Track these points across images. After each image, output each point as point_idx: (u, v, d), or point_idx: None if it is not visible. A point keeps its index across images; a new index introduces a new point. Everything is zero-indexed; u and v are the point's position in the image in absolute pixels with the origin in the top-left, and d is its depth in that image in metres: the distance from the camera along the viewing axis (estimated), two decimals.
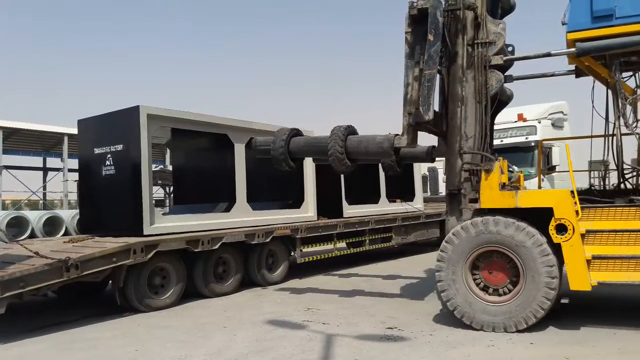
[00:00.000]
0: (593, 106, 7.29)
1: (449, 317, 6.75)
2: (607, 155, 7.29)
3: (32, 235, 10.45)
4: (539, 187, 9.56)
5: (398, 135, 6.59)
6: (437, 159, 7.94)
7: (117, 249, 7.22)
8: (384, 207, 13.34)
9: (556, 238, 5.91)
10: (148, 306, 7.73)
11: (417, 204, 14.42)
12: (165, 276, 8.12)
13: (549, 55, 6.96)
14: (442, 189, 12.56)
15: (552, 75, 7.81)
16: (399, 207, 13.75)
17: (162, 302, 7.96)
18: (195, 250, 8.27)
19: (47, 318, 7.55)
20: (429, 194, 18.19)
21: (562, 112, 11.61)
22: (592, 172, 11.38)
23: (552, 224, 5.93)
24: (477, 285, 6.23)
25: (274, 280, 9.96)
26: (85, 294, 8.87)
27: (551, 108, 11.37)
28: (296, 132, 7.51)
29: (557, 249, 5.92)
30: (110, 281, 7.89)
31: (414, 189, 14.57)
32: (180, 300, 8.25)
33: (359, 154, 6.90)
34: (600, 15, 6.30)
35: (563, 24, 7.34)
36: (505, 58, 6.78)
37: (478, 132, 6.68)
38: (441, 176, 16.00)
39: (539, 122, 10.84)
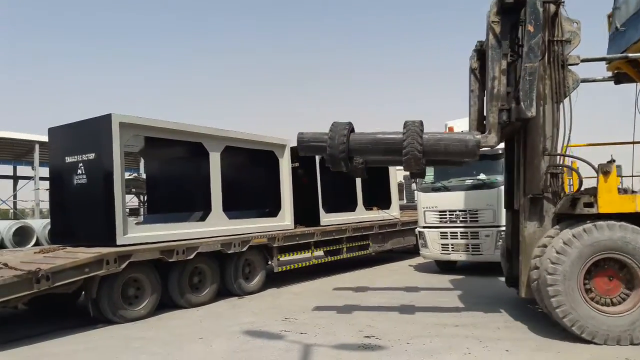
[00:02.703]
0: (638, 111, 7.29)
1: (425, 325, 6.80)
2: None
3: (2, 246, 10.20)
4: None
5: (478, 132, 6.21)
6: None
7: (90, 259, 7.07)
8: (361, 214, 13.36)
9: None
10: (122, 317, 7.57)
11: (394, 212, 14.50)
12: (139, 287, 7.97)
13: (626, 58, 6.95)
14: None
15: (593, 80, 7.78)
16: (375, 215, 13.80)
17: (137, 313, 7.81)
18: (170, 260, 8.15)
19: (17, 331, 7.33)
20: (405, 201, 18.34)
21: None
22: None
23: None
24: (589, 296, 5.95)
25: (251, 290, 9.87)
26: (57, 306, 8.64)
27: None
28: (352, 127, 6.57)
29: None
30: (83, 292, 7.71)
31: (390, 196, 14.64)
32: (155, 311, 8.10)
33: (437, 154, 6.22)
34: None
35: (617, 29, 7.34)
36: (582, 58, 6.55)
37: (555, 133, 6.44)
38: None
39: None
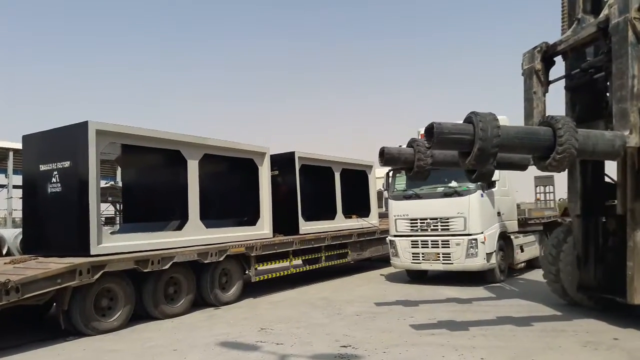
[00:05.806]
0: None
1: (401, 333, 6.78)
2: None
3: None
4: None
5: (622, 132, 6.06)
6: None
7: (62, 269, 6.92)
8: (340, 223, 13.37)
9: None
10: (94, 329, 7.42)
11: (373, 220, 14.53)
12: (112, 298, 7.82)
13: None
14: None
15: None
16: (354, 223, 13.82)
17: (110, 325, 7.65)
18: (145, 270, 8.02)
19: None
20: (384, 209, 18.38)
21: None
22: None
23: None
24: None
25: (228, 300, 9.76)
26: (27, 318, 8.43)
27: None
28: None
29: None
30: (54, 304, 7.54)
31: (369, 204, 14.67)
32: (128, 322, 7.95)
33: (584, 153, 5.87)
34: None
35: None
36: None
37: None
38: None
39: None
